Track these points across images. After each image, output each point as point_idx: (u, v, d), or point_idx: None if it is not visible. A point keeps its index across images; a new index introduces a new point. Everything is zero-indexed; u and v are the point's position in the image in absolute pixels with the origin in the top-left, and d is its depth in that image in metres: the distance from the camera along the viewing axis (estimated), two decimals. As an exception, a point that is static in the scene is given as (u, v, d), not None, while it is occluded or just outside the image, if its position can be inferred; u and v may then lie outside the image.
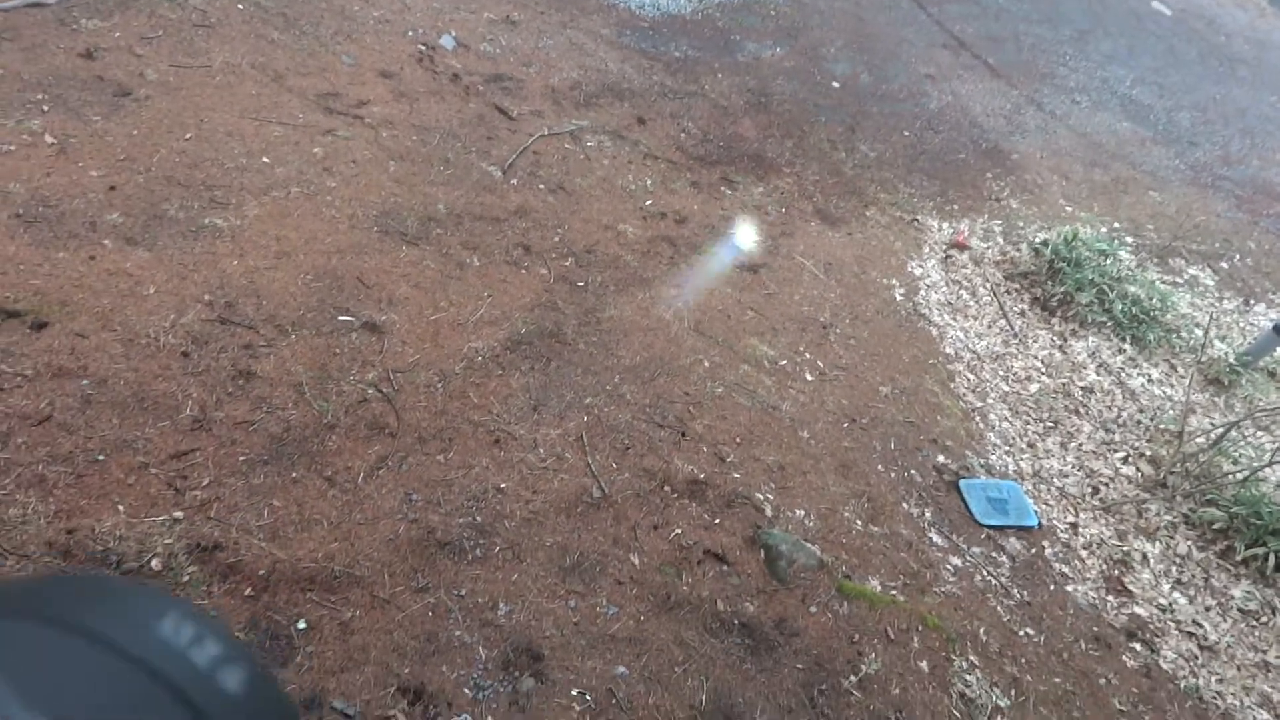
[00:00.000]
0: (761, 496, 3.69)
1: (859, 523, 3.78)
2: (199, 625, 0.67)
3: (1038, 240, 6.59)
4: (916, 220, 6.56)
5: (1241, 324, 7.03)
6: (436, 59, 5.92)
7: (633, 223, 5.26)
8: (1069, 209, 7.50)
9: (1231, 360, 6.30)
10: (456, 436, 3.49)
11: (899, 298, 5.72)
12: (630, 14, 7.45)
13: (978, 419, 4.99)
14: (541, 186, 5.22)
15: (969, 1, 10.16)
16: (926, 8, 9.58)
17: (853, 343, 5.10)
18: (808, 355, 4.80)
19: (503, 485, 3.33)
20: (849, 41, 8.39)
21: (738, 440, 3.93)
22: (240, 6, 5.63)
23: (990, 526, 4.12)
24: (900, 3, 9.48)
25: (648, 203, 5.49)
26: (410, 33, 6.07)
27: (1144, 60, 10.75)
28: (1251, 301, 7.39)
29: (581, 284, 4.59)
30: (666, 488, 3.54)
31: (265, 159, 4.54)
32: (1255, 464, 4.99)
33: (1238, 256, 7.88)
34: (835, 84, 7.72)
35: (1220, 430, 5.17)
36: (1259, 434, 5.70)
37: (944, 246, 6.40)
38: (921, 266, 6.13)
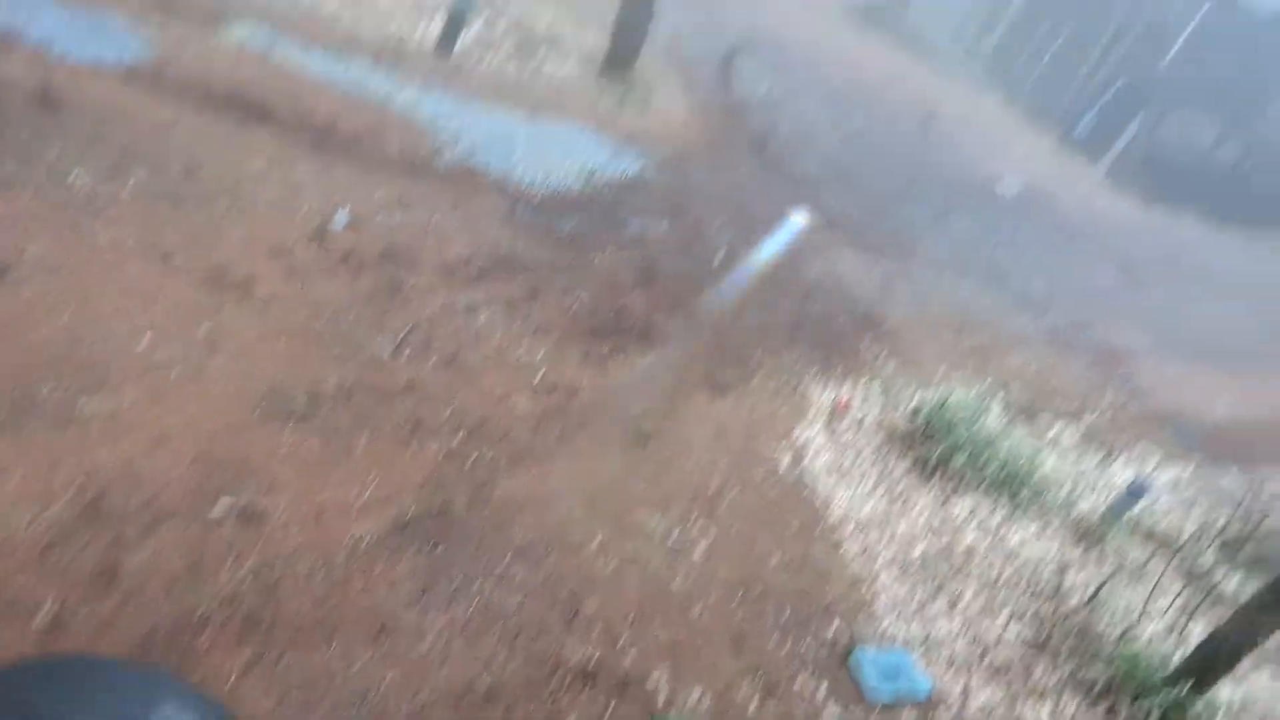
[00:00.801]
0: (655, 678, 3.64)
1: (755, 701, 3.75)
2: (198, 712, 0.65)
3: (914, 404, 6.93)
4: (801, 386, 6.83)
5: (1104, 479, 7.44)
6: (329, 237, 6.01)
7: (524, 396, 5.32)
8: (941, 372, 7.93)
9: (1099, 517, 6.64)
10: (339, 626, 3.36)
11: (786, 464, 5.88)
12: (522, 191, 7.76)
13: (866, 585, 5.08)
14: (433, 361, 5.26)
15: (840, 181, 10.97)
16: (801, 187, 10.29)
17: (742, 512, 5.18)
18: (699, 526, 4.85)
19: (387, 678, 3.20)
20: (731, 218, 8.90)
21: (630, 618, 3.90)
22: (131, 184, 5.65)
23: (884, 702, 4.13)
24: (777, 182, 10.17)
25: (540, 375, 5.58)
26: (303, 210, 6.17)
27: (999, 234, 11.72)
28: (1111, 457, 7.86)
29: (472, 460, 4.58)
30: (559, 674, 3.46)
31: (147, 340, 4.46)
32: (1128, 620, 5.19)
33: (1095, 414, 8.43)
34: (719, 258, 8.13)
35: (1094, 589, 5.39)
36: (1130, 588, 5.96)
37: (827, 411, 6.66)
38: (807, 432, 6.33)
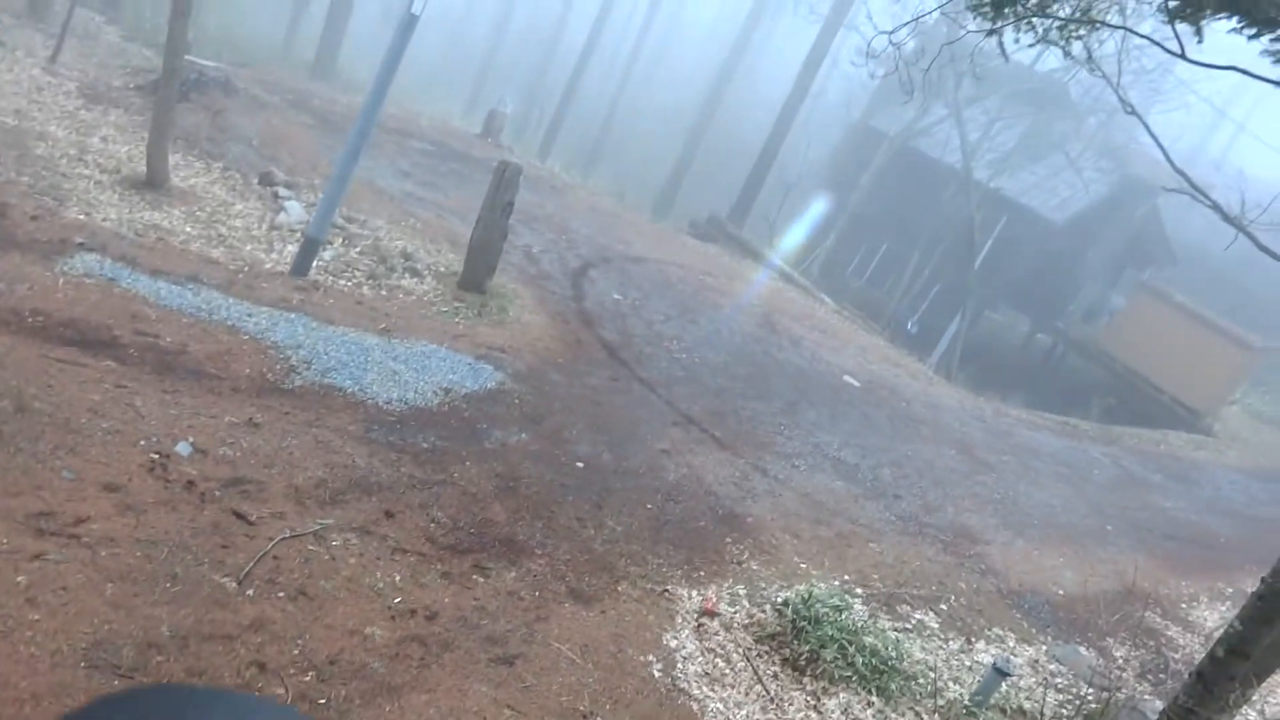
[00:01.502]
0: None
1: None
2: None
3: (779, 600, 6.98)
4: (667, 591, 6.79)
5: (968, 662, 7.58)
6: (170, 467, 5.76)
7: (381, 624, 5.08)
8: (803, 566, 8.07)
9: (966, 702, 6.71)
10: None
11: (658, 674, 5.75)
12: (378, 409, 7.72)
13: (747, 799, 4.91)
14: (281, 594, 4.99)
15: (693, 383, 11.42)
16: (656, 390, 10.64)
17: (615, 731, 4.99)
18: (569, 752, 4.63)
19: None
20: (589, 424, 9.06)
21: None
22: (-53, 424, 5.32)
23: None
24: (633, 387, 10.49)
25: (397, 600, 5.36)
26: (142, 442, 5.92)
27: (845, 426, 12.33)
28: (973, 640, 8.05)
29: (323, 701, 4.28)
30: None
31: (-46, 593, 4.08)
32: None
33: (953, 597, 8.68)
34: (579, 464, 8.20)
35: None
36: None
37: (695, 615, 6.62)
38: (676, 638, 6.25)
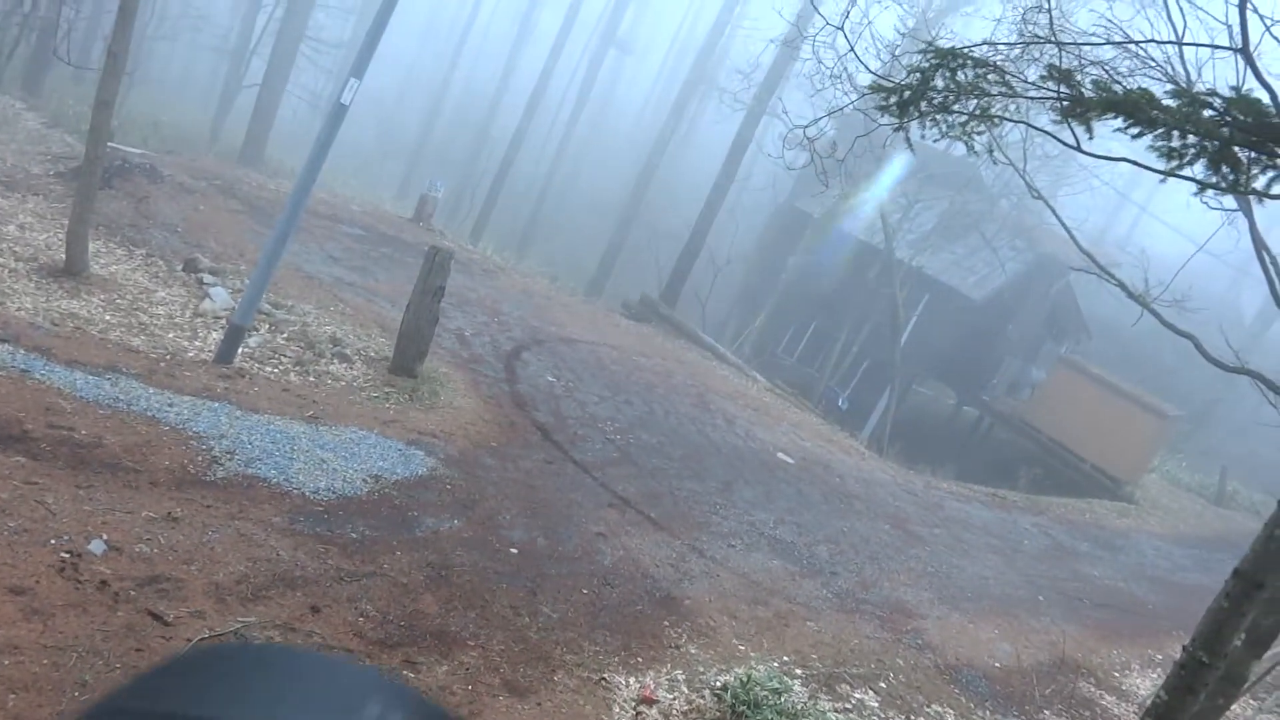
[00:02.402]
0: None
1: None
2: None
3: (718, 685, 6.89)
4: (604, 679, 6.65)
5: (909, 742, 7.54)
6: (82, 567, 5.51)
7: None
8: (741, 647, 7.99)
9: (908, 782, 6.65)
10: None
11: (595, 768, 5.59)
12: (304, 499, 7.52)
13: None
14: (198, 699, 4.75)
15: (628, 463, 11.39)
16: (591, 473, 10.58)
17: (551, 831, 4.82)
18: None
19: None
20: (523, 508, 8.95)
21: None
22: None
23: None
24: (566, 469, 10.42)
25: (322, 701, 5.14)
26: (53, 540, 5.66)
27: (780, 503, 12.38)
28: (913, 718, 8.02)
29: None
30: None
31: None
32: None
33: (891, 675, 8.66)
34: (513, 550, 8.07)
35: None
36: None
37: (633, 703, 6.48)
38: (614, 729, 6.11)
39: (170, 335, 10.01)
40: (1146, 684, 10.98)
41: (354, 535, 7.24)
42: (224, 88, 27.82)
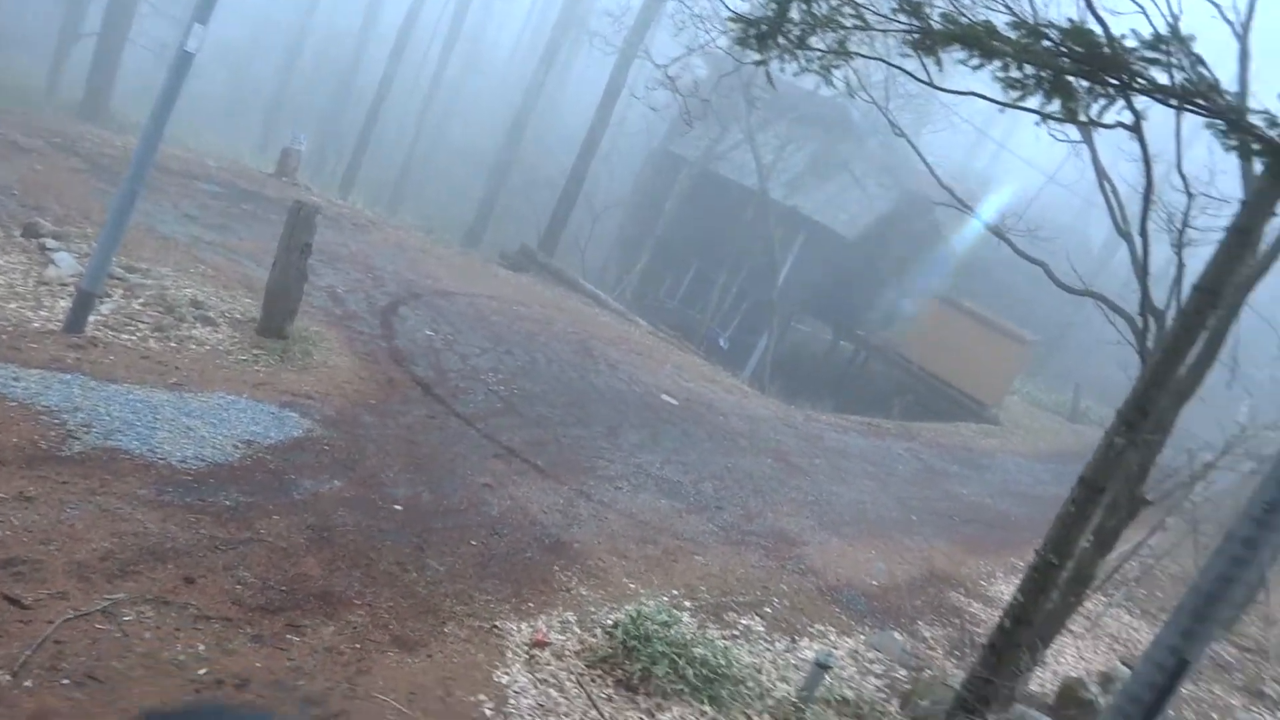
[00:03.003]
0: None
1: None
2: None
3: (609, 623, 7.01)
4: (496, 627, 6.69)
5: (794, 660, 7.89)
6: (-75, 553, 5.16)
7: (184, 700, 4.73)
8: (632, 586, 8.15)
9: (794, 699, 6.97)
10: None
11: (489, 714, 5.65)
12: (171, 469, 7.20)
13: (586, 826, 4.89)
14: (66, 681, 4.56)
15: (512, 413, 11.34)
16: (474, 425, 10.50)
17: (447, 777, 4.86)
18: (399, 806, 4.46)
19: None
20: (406, 465, 8.82)
21: None
22: None
23: None
24: (450, 423, 10.30)
25: (201, 672, 5.01)
26: (-111, 528, 5.29)
27: (666, 444, 12.58)
28: (797, 638, 8.38)
29: (119, 790, 3.94)
30: None
31: None
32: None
33: (776, 600, 9.01)
34: (398, 506, 7.96)
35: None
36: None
37: (526, 648, 6.55)
38: (507, 673, 6.17)
39: (12, 306, 9.34)
40: (1009, 590, 11.73)
41: (227, 503, 7.00)
42: (59, 37, 25.70)
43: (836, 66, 5.44)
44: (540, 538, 8.39)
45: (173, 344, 9.67)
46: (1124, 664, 10.86)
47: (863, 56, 5.82)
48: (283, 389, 9.44)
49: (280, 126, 34.77)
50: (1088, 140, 8.28)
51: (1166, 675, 5.18)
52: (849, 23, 5.27)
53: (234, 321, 10.72)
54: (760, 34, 5.02)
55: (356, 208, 22.51)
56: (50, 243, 11.08)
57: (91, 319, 9.33)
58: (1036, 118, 5.29)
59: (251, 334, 10.52)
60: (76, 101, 23.03)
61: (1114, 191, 8.23)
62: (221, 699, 4.85)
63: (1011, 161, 36.89)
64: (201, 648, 5.23)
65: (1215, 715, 10.54)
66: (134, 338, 9.53)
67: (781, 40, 5.05)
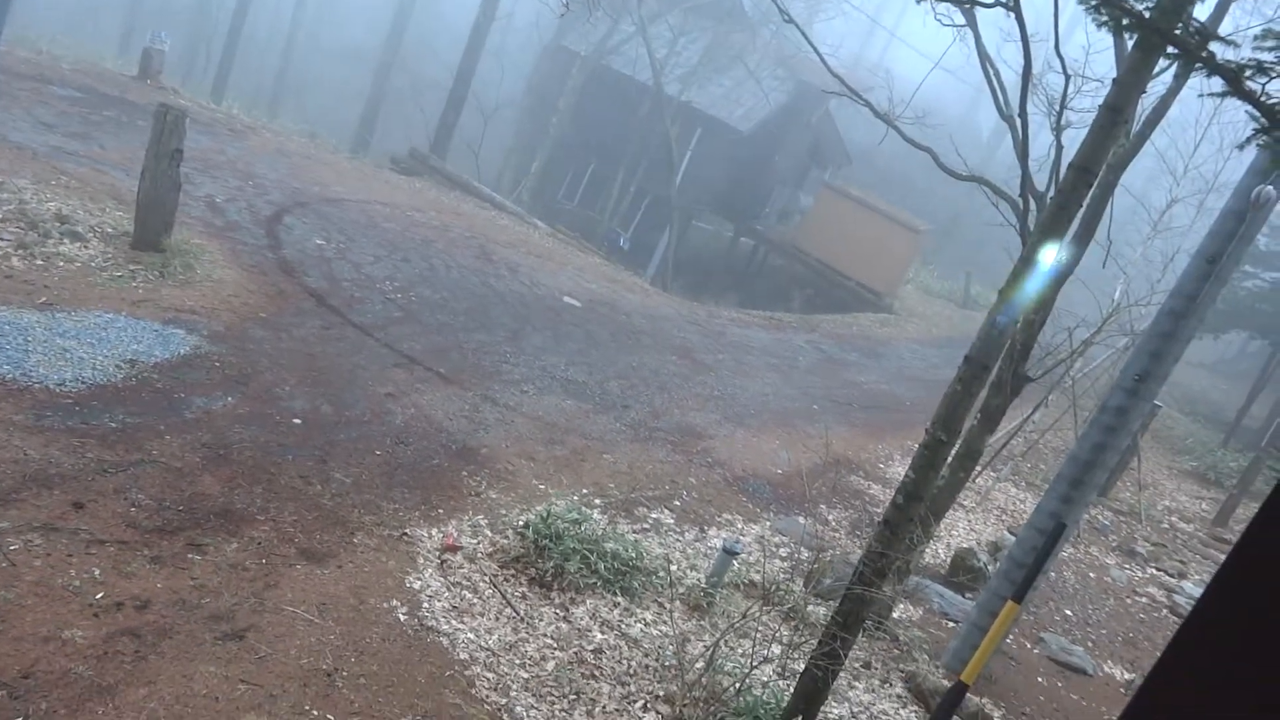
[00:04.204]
0: None
1: None
2: None
3: (520, 524, 7.07)
4: (406, 534, 6.67)
5: (703, 549, 8.13)
6: None
7: (82, 625, 4.60)
8: (541, 487, 8.22)
9: (704, 585, 7.21)
10: None
11: (403, 618, 5.67)
12: (49, 393, 6.84)
13: (506, 716, 5.00)
14: (-51, 616, 4.37)
15: (412, 322, 11.10)
16: (373, 334, 10.25)
17: (363, 681, 4.88)
18: (316, 713, 4.48)
19: None
20: (303, 378, 8.58)
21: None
22: None
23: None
24: (347, 334, 10.03)
25: (99, 596, 4.87)
26: None
27: (570, 346, 12.56)
28: (705, 528, 8.62)
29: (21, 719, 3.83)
30: None
31: None
32: (743, 672, 5.64)
33: (685, 493, 9.22)
34: (297, 420, 7.77)
35: (708, 652, 5.80)
36: (742, 642, 6.51)
37: (437, 553, 6.56)
38: (420, 579, 6.18)
39: None
40: (904, 470, 12.31)
41: (113, 425, 6.71)
42: None
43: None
44: (447, 445, 8.34)
45: (39, 262, 9.07)
46: (1010, 533, 11.59)
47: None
48: (165, 305, 9.00)
49: (141, 27, 32.30)
50: (971, 24, 8.35)
51: (1047, 539, 5.54)
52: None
53: (105, 236, 10.09)
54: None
55: (232, 112, 21.25)
56: (-113, 157, 10.15)
57: (-57, 238, 8.65)
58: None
59: (125, 249, 9.94)
60: (-97, 0, 20.84)
61: (997, 75, 8.35)
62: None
63: (903, 50, 37.07)
64: (97, 572, 5.06)
65: (1092, 574, 11.39)
66: (-6, 257, 8.89)
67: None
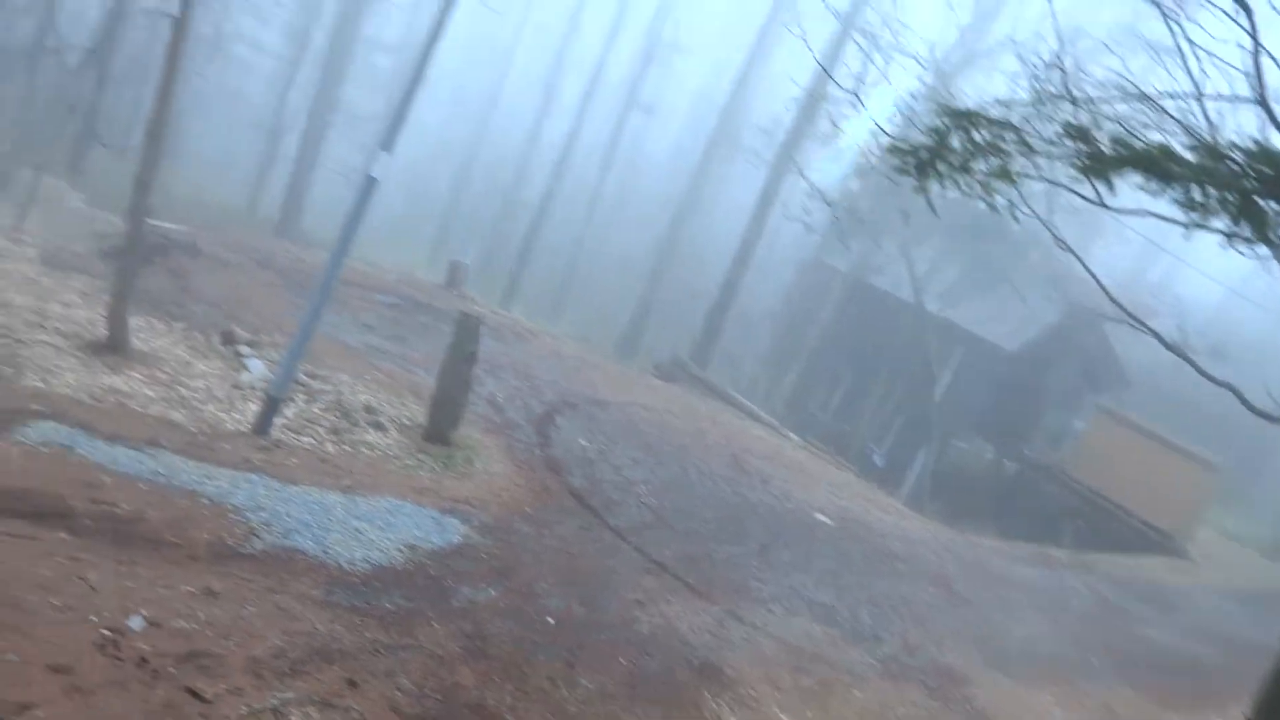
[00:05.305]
0: None
1: None
2: None
3: (763, 758, 6.69)
4: (645, 754, 6.50)
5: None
6: (123, 644, 5.50)
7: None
8: (785, 718, 7.78)
9: None
10: None
11: None
12: (340, 571, 7.50)
13: None
14: (236, 781, 4.70)
15: (663, 528, 11.27)
16: (627, 537, 10.48)
17: None
18: None
19: None
20: (560, 577, 8.86)
21: None
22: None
23: None
24: (603, 535, 10.33)
25: (360, 781, 5.06)
26: (94, 617, 5.67)
27: (820, 565, 12.16)
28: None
29: None
30: None
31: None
32: None
33: (942, 745, 8.39)
34: (550, 619, 7.97)
35: None
36: None
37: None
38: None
39: (209, 408, 10.14)
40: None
41: (389, 606, 7.19)
42: (260, 163, 28.62)
43: (998, 190, 5.34)
44: (690, 659, 8.18)
45: (347, 448, 10.21)
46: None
47: (1027, 177, 5.68)
48: (445, 495, 9.74)
49: (450, 240, 37.06)
50: (1277, 255, 7.73)
51: None
52: (1011, 149, 5.18)
53: (402, 427, 11.23)
54: (920, 162, 5.00)
55: (517, 318, 23.50)
56: (244, 349, 12.05)
57: (276, 422, 9.98)
58: (1221, 238, 5.02)
59: (418, 439, 10.99)
60: (273, 220, 25.33)
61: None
62: None
63: (1189, 273, 34.87)
64: (362, 756, 5.29)
65: None
66: (313, 441, 10.12)
67: (941, 167, 5.01)
